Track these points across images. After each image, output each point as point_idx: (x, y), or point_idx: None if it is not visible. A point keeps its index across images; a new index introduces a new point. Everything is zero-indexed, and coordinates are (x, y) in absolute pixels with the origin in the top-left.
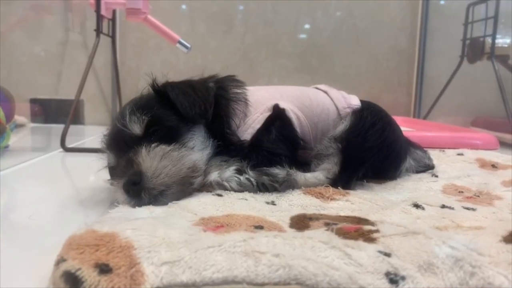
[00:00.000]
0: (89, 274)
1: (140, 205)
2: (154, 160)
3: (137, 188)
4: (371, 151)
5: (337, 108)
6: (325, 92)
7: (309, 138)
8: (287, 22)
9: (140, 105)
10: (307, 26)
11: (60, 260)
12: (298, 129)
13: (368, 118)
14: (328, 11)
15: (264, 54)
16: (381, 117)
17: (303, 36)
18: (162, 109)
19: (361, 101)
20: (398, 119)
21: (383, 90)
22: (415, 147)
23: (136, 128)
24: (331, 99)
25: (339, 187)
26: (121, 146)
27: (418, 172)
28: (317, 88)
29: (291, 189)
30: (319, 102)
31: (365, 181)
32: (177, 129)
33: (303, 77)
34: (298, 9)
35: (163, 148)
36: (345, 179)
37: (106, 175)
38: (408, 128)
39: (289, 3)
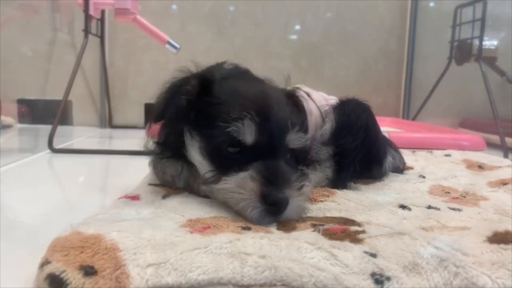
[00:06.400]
0: (73, 277)
1: None
2: None
3: None
4: (358, 147)
5: (320, 112)
6: (307, 93)
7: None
8: (277, 24)
9: None
10: (297, 27)
11: (45, 263)
12: None
13: (352, 113)
14: (318, 13)
15: (254, 55)
16: (363, 109)
17: (293, 37)
18: None
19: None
20: (387, 120)
21: (372, 91)
22: (390, 145)
23: None
24: (313, 101)
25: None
26: None
27: (392, 171)
28: (298, 89)
29: None
30: (311, 109)
31: (352, 183)
32: None
33: (293, 78)
34: (287, 10)
35: None
36: (341, 180)
37: (91, 177)
38: (397, 129)
39: (278, 4)
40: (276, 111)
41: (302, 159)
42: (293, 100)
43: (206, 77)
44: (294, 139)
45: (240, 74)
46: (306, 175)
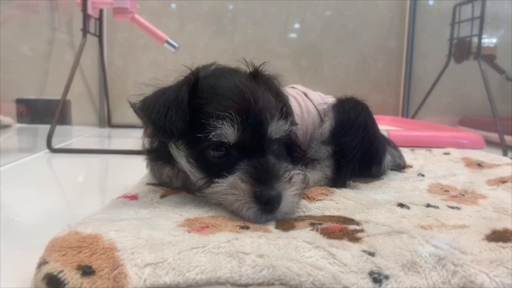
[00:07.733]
0: (71, 276)
1: None
2: None
3: None
4: (357, 146)
5: (318, 111)
6: (304, 93)
7: (304, 144)
8: (276, 22)
9: None
10: (296, 25)
11: (42, 263)
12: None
13: (351, 112)
14: (317, 11)
15: (253, 54)
16: (362, 107)
17: (292, 36)
18: None
19: (338, 98)
20: (387, 119)
21: (371, 90)
22: (389, 144)
23: None
24: (311, 101)
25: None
26: None
27: (391, 169)
28: (294, 88)
29: None
30: (308, 108)
31: (351, 181)
32: None
33: (293, 77)
34: (287, 9)
35: None
36: (341, 179)
37: (90, 177)
38: (397, 127)
39: (278, 3)
40: (253, 106)
41: (292, 145)
42: (262, 80)
43: (193, 81)
44: (276, 129)
45: (214, 72)
46: (295, 162)
